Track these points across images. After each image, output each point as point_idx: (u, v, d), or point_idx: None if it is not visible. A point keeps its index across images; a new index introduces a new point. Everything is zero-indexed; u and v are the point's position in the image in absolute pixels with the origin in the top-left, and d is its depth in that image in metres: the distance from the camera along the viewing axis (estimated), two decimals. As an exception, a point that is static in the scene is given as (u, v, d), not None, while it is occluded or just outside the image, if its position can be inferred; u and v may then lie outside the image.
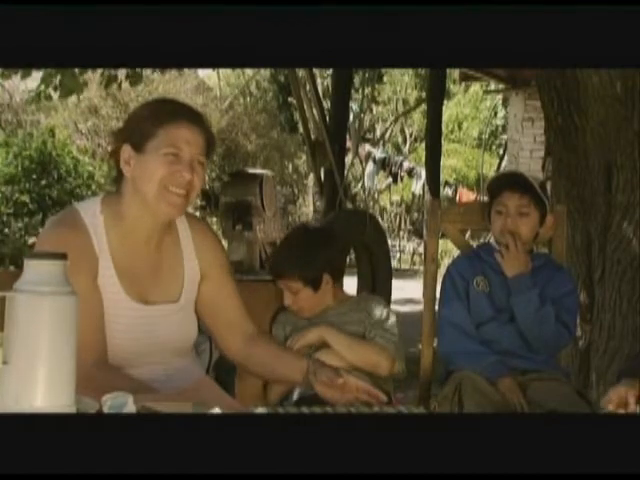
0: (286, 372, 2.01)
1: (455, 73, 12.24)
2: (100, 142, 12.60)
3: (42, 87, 5.21)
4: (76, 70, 4.98)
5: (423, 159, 11.11)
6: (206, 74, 14.71)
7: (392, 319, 2.44)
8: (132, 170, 1.87)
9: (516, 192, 2.49)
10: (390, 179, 15.01)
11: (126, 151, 1.88)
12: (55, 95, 5.35)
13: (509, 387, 2.34)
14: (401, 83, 19.10)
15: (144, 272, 1.93)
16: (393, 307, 6.51)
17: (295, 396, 2.29)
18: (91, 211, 1.90)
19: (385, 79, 19.17)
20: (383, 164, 14.38)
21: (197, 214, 6.66)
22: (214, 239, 2.09)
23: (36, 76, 5.26)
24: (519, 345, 2.47)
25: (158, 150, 1.85)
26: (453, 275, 2.57)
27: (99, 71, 5.73)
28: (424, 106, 12.34)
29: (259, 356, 2.04)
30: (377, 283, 6.53)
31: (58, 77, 5.06)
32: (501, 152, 15.71)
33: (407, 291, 8.25)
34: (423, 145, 12.95)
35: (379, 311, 2.44)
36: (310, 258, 2.38)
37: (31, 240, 8.08)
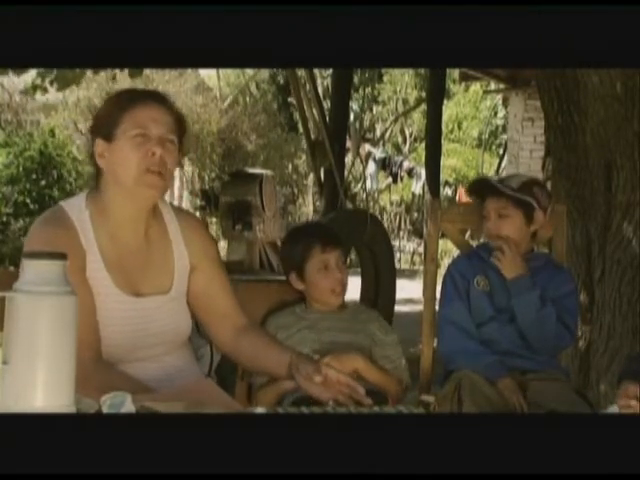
0: (271, 365, 2.02)
1: (455, 73, 12.24)
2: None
3: (38, 81, 5.18)
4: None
5: (423, 159, 11.11)
6: (206, 74, 14.70)
7: (395, 336, 2.47)
8: (106, 161, 1.88)
9: (493, 196, 2.51)
10: (390, 179, 15.02)
11: (99, 145, 1.89)
12: (52, 88, 5.32)
13: (509, 387, 2.33)
14: (401, 83, 19.08)
15: (133, 264, 1.93)
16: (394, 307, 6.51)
17: (292, 397, 2.27)
18: (76, 207, 1.91)
19: (385, 79, 19.16)
20: (383, 164, 14.39)
21: (197, 214, 6.66)
22: (203, 231, 2.10)
23: (32, 72, 5.23)
24: (519, 345, 2.47)
25: (126, 134, 1.85)
26: (453, 274, 2.57)
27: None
28: (424, 106, 12.34)
29: (247, 348, 2.04)
30: (381, 284, 6.51)
31: (54, 71, 5.02)
32: (501, 152, 15.71)
33: (407, 291, 8.23)
34: (423, 145, 12.94)
35: (383, 328, 2.45)
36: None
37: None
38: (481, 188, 2.59)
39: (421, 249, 13.90)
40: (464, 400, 2.26)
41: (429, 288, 2.70)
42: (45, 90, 5.35)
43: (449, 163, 17.22)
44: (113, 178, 1.89)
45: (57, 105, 12.21)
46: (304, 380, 1.89)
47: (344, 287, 2.43)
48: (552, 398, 2.30)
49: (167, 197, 2.11)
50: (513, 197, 2.47)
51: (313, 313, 2.44)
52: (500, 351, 2.45)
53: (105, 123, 1.89)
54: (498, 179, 2.63)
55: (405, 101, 19.04)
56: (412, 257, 14.32)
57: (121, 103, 1.89)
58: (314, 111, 6.65)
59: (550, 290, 2.49)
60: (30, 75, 5.32)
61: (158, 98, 1.92)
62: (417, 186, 14.29)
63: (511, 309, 2.48)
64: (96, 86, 11.34)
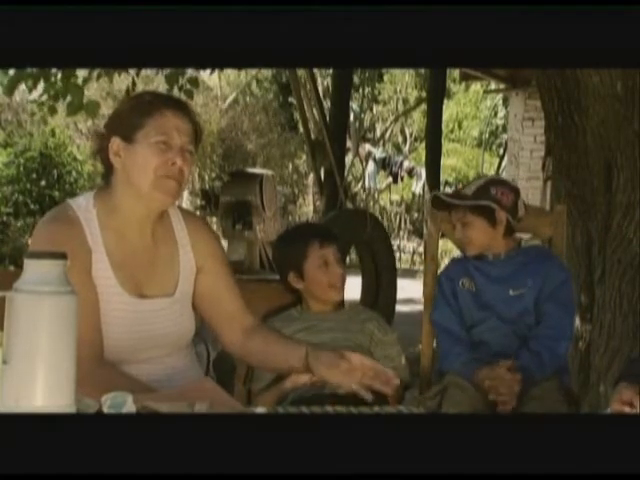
0: (285, 360, 1.97)
1: (455, 73, 12.25)
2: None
3: (44, 98, 5.18)
4: (83, 87, 4.95)
5: (423, 159, 11.13)
6: (206, 74, 14.70)
7: (394, 335, 2.48)
8: (122, 161, 1.88)
9: (451, 209, 2.56)
10: (390, 179, 15.02)
11: (115, 143, 1.88)
12: (58, 107, 5.33)
13: (484, 377, 2.35)
14: (401, 82, 19.07)
15: (139, 266, 1.92)
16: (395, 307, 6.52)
17: (292, 397, 2.27)
18: (84, 206, 1.91)
19: (385, 78, 19.15)
20: (383, 164, 14.39)
21: (197, 214, 6.64)
22: (209, 232, 2.09)
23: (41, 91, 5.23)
24: (511, 346, 2.47)
25: (148, 139, 1.85)
26: (441, 279, 2.62)
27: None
28: (424, 105, 12.36)
29: (258, 346, 2.02)
30: (381, 284, 6.51)
31: (67, 97, 5.00)
32: (501, 152, 15.71)
33: (407, 291, 8.23)
34: (423, 145, 12.96)
35: (382, 327, 2.46)
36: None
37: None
38: (439, 204, 2.62)
39: (421, 249, 13.91)
40: (450, 405, 2.29)
41: (429, 287, 2.70)
42: (54, 110, 5.35)
43: (449, 163, 17.24)
44: (127, 179, 1.88)
45: (57, 105, 12.20)
46: (326, 369, 1.84)
47: (344, 282, 2.43)
48: (533, 396, 2.32)
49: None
50: (468, 205, 2.50)
51: (310, 314, 2.44)
52: (492, 353, 2.45)
53: (126, 123, 1.88)
54: (456, 190, 2.65)
55: (405, 101, 19.04)
56: (412, 257, 14.32)
57: (146, 107, 1.89)
58: (314, 111, 6.66)
59: (539, 283, 2.49)
60: (39, 93, 5.31)
61: (182, 107, 1.92)
62: (417, 186, 14.30)
63: (496, 308, 2.49)
64: (96, 86, 11.34)
